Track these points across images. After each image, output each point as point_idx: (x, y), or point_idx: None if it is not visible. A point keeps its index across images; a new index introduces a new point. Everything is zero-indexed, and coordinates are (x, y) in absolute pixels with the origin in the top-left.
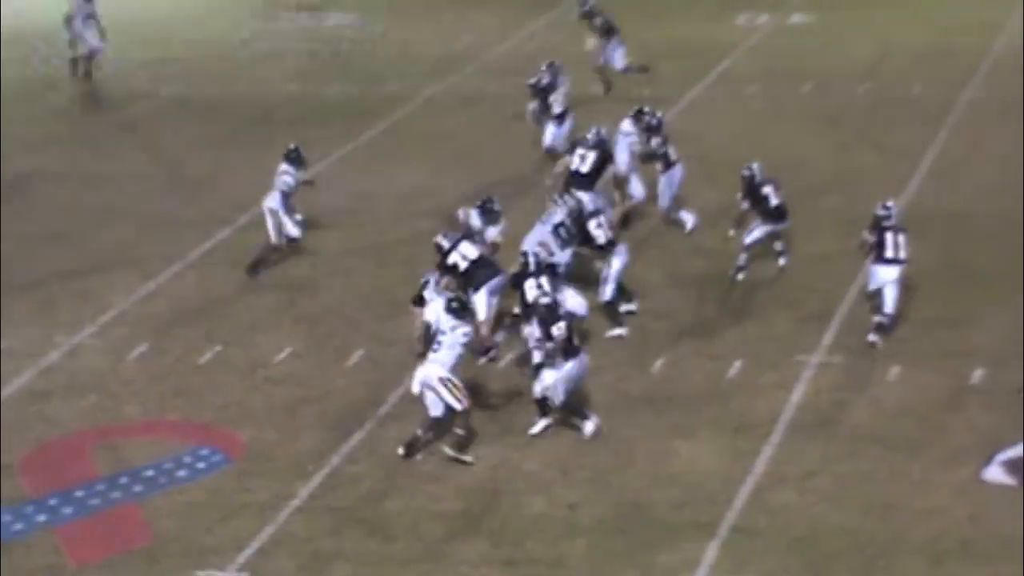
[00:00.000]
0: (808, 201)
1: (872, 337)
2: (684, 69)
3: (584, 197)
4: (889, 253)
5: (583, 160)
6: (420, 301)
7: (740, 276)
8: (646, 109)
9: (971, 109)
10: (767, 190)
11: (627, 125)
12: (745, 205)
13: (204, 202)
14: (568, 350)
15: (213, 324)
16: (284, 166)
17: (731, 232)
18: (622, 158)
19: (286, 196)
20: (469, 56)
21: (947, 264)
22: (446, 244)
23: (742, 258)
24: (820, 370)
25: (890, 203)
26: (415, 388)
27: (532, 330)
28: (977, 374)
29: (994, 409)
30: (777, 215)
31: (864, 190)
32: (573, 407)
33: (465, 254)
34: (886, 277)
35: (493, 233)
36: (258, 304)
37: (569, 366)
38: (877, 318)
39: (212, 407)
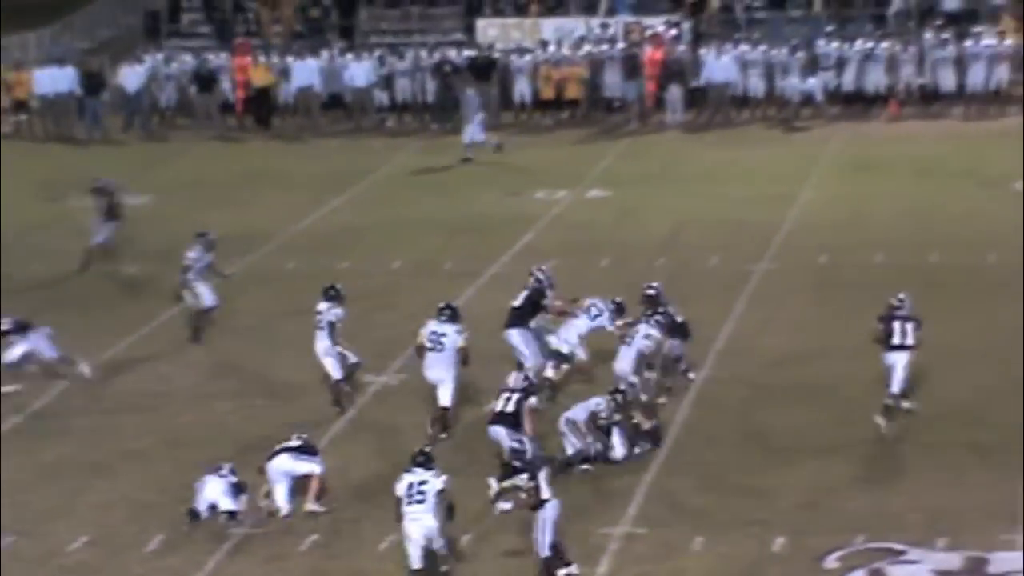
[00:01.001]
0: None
1: (878, 419)
2: (486, 244)
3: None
4: (896, 340)
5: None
6: None
7: None
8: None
9: (766, 280)
10: (672, 309)
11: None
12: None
13: None
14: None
15: (4, 513)
16: (326, 304)
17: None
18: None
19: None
20: (267, 236)
21: (745, 434)
22: None
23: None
24: (625, 542)
25: (902, 295)
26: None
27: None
28: (778, 542)
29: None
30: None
31: None
32: None
33: None
34: (893, 361)
35: None
36: (50, 491)
37: None
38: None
39: None
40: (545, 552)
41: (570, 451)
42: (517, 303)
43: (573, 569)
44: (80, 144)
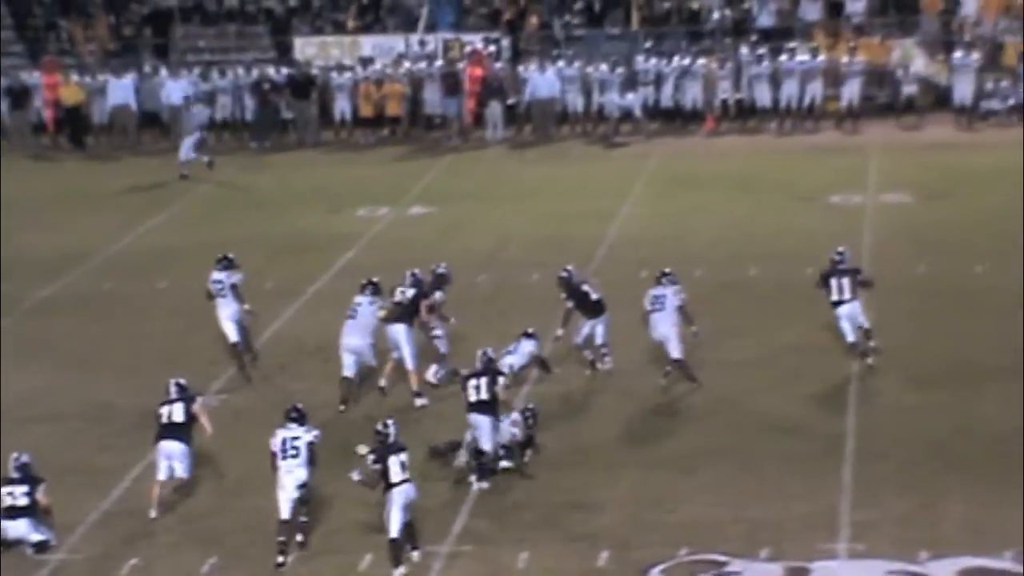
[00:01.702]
0: None
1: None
2: (307, 263)
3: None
4: (834, 296)
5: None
6: None
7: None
8: None
9: None
10: (586, 288)
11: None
12: (569, 304)
13: None
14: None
15: None
16: (224, 273)
17: (559, 332)
18: None
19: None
20: (83, 256)
21: (570, 448)
22: None
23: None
24: (449, 560)
25: (840, 249)
26: None
27: None
28: (603, 556)
29: None
30: (598, 309)
31: None
32: None
33: None
34: (838, 315)
35: None
36: None
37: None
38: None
39: None
40: (393, 534)
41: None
42: (402, 300)
43: (415, 556)
44: None
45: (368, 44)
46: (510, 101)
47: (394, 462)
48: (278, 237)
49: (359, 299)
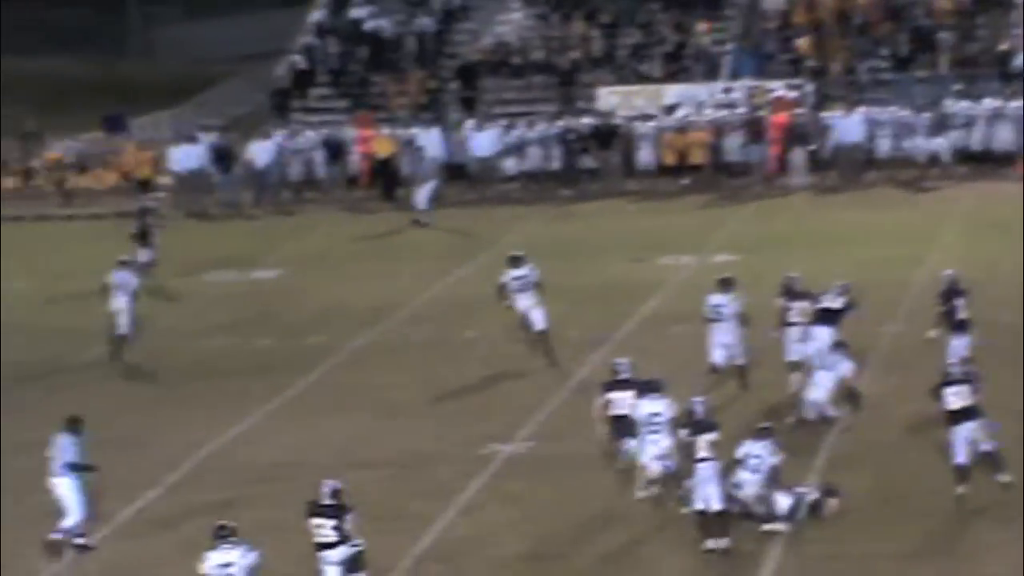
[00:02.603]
0: None
1: None
2: (611, 311)
3: None
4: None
5: None
6: None
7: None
8: None
9: (896, 342)
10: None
11: None
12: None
13: (132, 463)
14: None
15: None
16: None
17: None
18: None
19: None
20: (395, 306)
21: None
22: None
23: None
24: None
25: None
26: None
27: None
28: None
29: None
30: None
31: None
32: None
33: None
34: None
35: None
36: (190, 565)
37: None
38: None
39: None
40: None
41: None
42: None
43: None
44: (213, 219)
45: (671, 92)
46: (813, 147)
47: (701, 440)
48: (583, 286)
49: (717, 299)
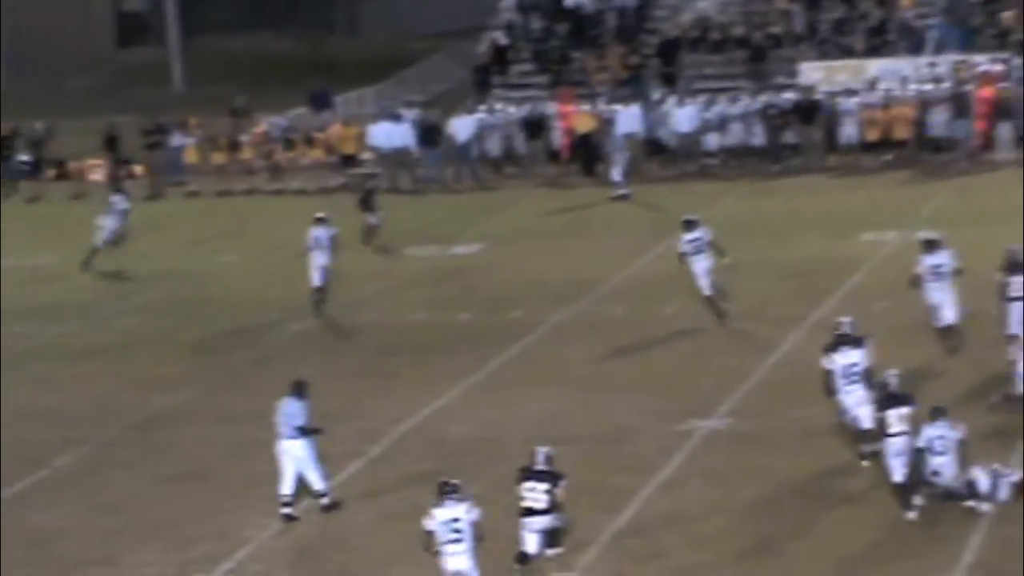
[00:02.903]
0: None
1: None
2: (812, 287)
3: None
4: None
5: None
6: None
7: None
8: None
9: None
10: None
11: None
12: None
13: (336, 435)
14: None
15: (349, 556)
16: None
17: None
18: None
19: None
20: (595, 282)
21: None
22: None
23: None
24: None
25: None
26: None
27: None
28: None
29: None
30: None
31: None
32: None
33: None
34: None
35: None
36: (394, 535)
37: None
38: None
39: None
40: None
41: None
42: None
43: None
44: (413, 195)
45: (875, 67)
46: (1020, 121)
47: (892, 415)
48: (784, 262)
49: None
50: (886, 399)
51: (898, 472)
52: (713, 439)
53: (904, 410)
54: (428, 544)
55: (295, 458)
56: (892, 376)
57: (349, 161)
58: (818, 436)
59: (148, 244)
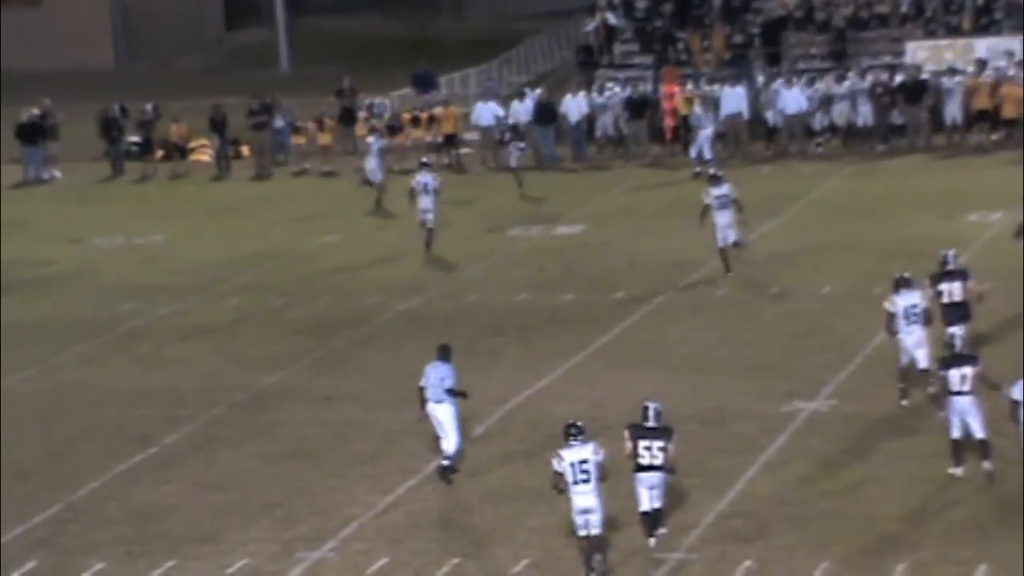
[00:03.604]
0: None
1: None
2: (917, 268)
3: None
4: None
5: None
6: None
7: None
8: None
9: None
10: None
11: None
12: None
13: None
14: None
15: (450, 535)
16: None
17: None
18: None
19: None
20: (698, 262)
21: None
22: None
23: None
24: None
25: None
26: None
27: None
28: None
29: None
30: None
31: None
32: None
33: None
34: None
35: None
36: (494, 514)
37: None
38: None
39: None
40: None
41: None
42: None
43: None
44: (526, 171)
45: (982, 46)
46: None
47: (954, 374)
48: (888, 242)
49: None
50: (950, 359)
51: (955, 428)
52: (816, 420)
53: (967, 369)
54: (557, 484)
55: (438, 421)
56: (958, 336)
57: (451, 140)
58: (922, 416)
59: (254, 224)
